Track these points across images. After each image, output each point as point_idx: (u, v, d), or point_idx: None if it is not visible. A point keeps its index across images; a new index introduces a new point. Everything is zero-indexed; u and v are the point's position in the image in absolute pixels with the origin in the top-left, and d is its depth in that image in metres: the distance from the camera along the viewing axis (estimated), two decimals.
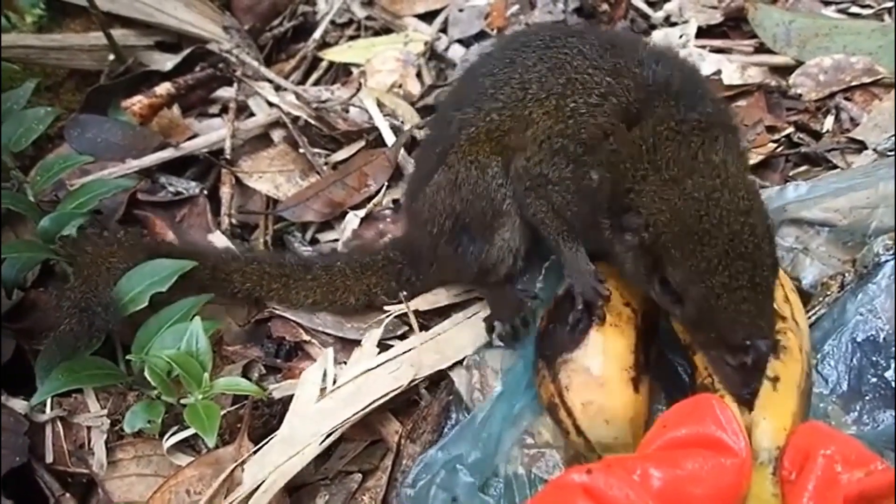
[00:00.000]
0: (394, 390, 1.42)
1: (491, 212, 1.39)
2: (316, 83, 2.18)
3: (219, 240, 1.77)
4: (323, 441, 1.37)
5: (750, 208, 1.11)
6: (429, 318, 1.57)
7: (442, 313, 1.57)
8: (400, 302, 1.57)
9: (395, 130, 1.93)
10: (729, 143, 1.20)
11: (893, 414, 1.25)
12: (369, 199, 1.82)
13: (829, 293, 1.41)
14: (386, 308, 1.57)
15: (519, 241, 1.43)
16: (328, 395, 1.43)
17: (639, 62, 1.25)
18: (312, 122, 1.97)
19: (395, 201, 1.81)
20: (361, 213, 1.79)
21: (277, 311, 1.63)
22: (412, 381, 1.44)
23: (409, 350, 1.49)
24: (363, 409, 1.40)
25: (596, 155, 1.24)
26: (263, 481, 1.33)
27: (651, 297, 1.23)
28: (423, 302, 1.58)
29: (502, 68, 1.34)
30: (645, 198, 1.15)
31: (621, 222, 1.18)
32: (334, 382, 1.45)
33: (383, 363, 1.47)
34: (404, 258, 1.59)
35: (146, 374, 1.38)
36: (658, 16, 2.09)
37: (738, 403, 1.12)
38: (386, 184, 1.83)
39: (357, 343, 1.54)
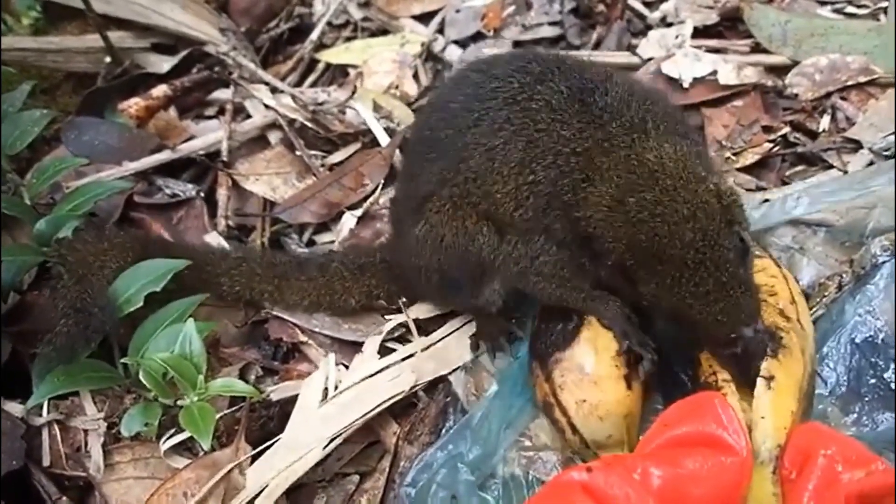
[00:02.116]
0: (395, 396, 1.42)
1: (481, 271, 1.38)
2: (312, 85, 2.18)
3: (215, 242, 1.76)
4: (326, 446, 1.37)
5: (695, 210, 1.10)
6: (427, 323, 1.57)
7: (440, 319, 1.57)
8: (399, 310, 1.57)
9: (391, 133, 1.92)
10: (667, 130, 1.20)
11: (893, 415, 1.26)
12: (366, 198, 1.82)
13: (826, 294, 1.41)
14: (387, 317, 1.57)
15: (508, 288, 1.42)
16: (330, 401, 1.43)
17: (602, 107, 1.22)
18: (309, 124, 1.97)
19: (392, 200, 1.81)
20: (358, 212, 1.79)
21: (274, 313, 1.62)
22: (413, 386, 1.43)
23: (410, 356, 1.48)
24: (364, 415, 1.40)
25: (554, 206, 1.23)
26: (266, 486, 1.33)
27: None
28: (422, 310, 1.57)
29: (470, 126, 1.29)
30: (598, 225, 1.15)
31: (592, 249, 1.19)
32: (336, 388, 1.45)
33: (384, 369, 1.47)
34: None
35: (141, 376, 1.38)
36: (654, 16, 2.09)
37: (743, 387, 1.14)
38: (382, 183, 1.83)
39: (355, 344, 1.54)
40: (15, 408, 1.48)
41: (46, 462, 1.44)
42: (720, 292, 1.09)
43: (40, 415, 1.48)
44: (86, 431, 1.47)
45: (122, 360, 1.45)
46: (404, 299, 1.57)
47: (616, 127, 1.19)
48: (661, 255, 1.10)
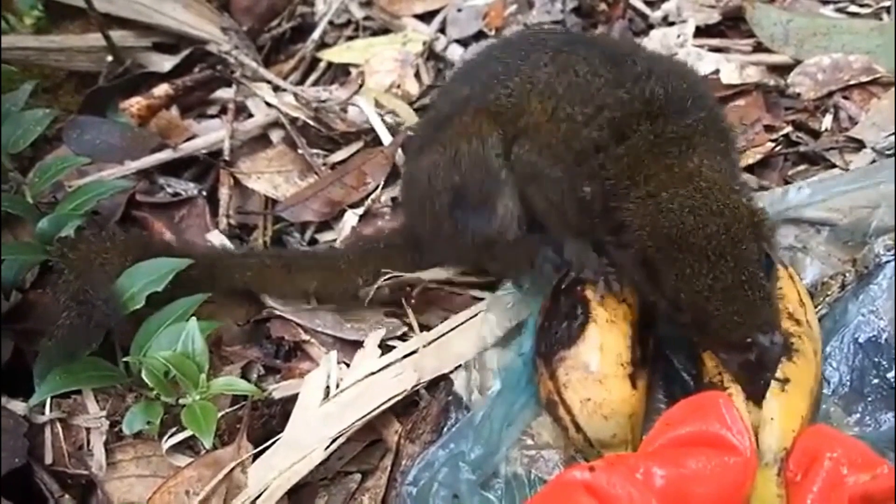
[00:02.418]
0: (397, 395, 1.42)
1: (489, 181, 1.39)
2: (314, 84, 2.18)
3: (217, 240, 1.77)
4: (328, 446, 1.36)
5: (723, 209, 1.12)
6: (429, 318, 1.57)
7: (442, 314, 1.57)
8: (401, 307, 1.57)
9: (393, 132, 1.92)
10: (710, 148, 1.22)
11: (895, 415, 1.25)
12: (368, 196, 1.81)
13: (829, 293, 1.41)
14: (386, 312, 1.58)
15: (520, 209, 1.43)
16: (332, 399, 1.43)
17: (635, 76, 1.26)
18: (311, 122, 1.97)
19: (393, 199, 1.81)
20: (359, 210, 1.79)
21: (277, 311, 1.62)
22: (415, 385, 1.43)
23: (412, 353, 1.48)
24: (367, 415, 1.39)
25: (586, 167, 1.27)
26: (268, 486, 1.32)
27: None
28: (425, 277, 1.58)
29: (516, 59, 1.38)
30: (631, 215, 1.18)
31: (620, 240, 1.21)
32: (337, 386, 1.45)
33: (386, 367, 1.47)
34: (406, 243, 1.59)
35: (143, 375, 1.38)
36: (656, 15, 2.09)
37: (747, 400, 1.13)
38: (383, 181, 1.82)
39: (357, 343, 1.54)
40: (17, 406, 1.48)
41: (49, 460, 1.44)
42: (739, 290, 1.09)
43: (42, 413, 1.48)
44: (88, 430, 1.47)
45: (125, 359, 1.45)
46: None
47: (670, 134, 1.21)
48: (682, 244, 1.11)
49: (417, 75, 2.10)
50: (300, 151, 1.94)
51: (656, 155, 1.20)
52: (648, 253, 1.15)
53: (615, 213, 1.22)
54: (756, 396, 1.13)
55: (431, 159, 1.45)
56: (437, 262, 1.59)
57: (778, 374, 1.13)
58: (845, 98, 1.79)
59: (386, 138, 1.90)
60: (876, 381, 1.29)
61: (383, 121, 1.93)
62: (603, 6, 2.11)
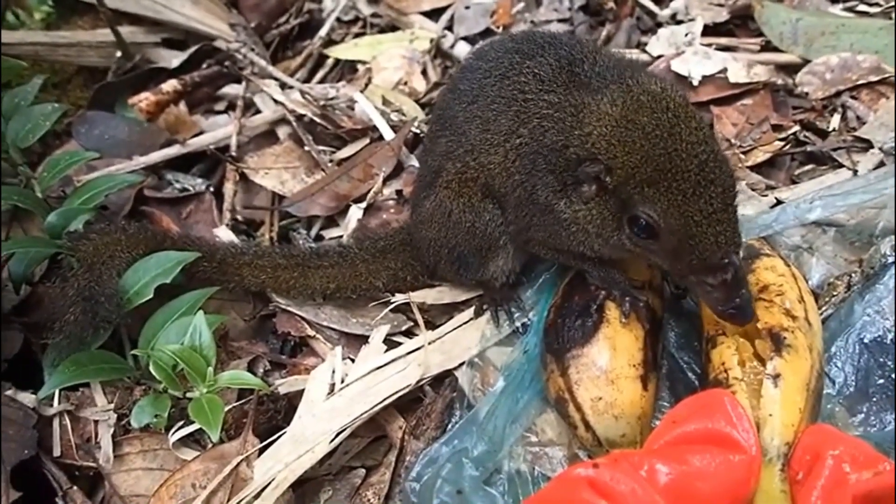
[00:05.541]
0: (401, 389, 1.43)
1: (487, 246, 1.43)
2: (322, 80, 2.19)
3: (225, 236, 1.77)
4: (333, 440, 1.37)
5: (706, 136, 1.14)
6: (434, 316, 1.58)
7: (448, 310, 1.58)
8: (406, 294, 1.58)
9: (397, 130, 1.92)
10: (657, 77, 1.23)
11: None
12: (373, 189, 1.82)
13: (835, 293, 1.41)
14: (392, 299, 1.58)
15: (513, 264, 1.48)
16: (337, 394, 1.44)
17: (590, 74, 1.26)
18: (318, 119, 1.97)
19: (398, 192, 1.81)
20: (363, 204, 1.79)
21: (282, 306, 1.63)
22: (420, 381, 1.44)
23: (417, 349, 1.49)
24: (371, 409, 1.40)
25: (539, 166, 1.27)
26: (273, 479, 1.33)
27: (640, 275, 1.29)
28: (430, 296, 1.58)
29: (469, 103, 1.38)
30: (599, 143, 1.17)
31: (577, 176, 1.20)
32: (342, 381, 1.46)
33: (391, 362, 1.47)
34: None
35: (151, 368, 1.39)
36: (664, 13, 2.08)
37: (749, 396, 1.13)
38: (384, 173, 1.83)
39: (363, 338, 1.55)
40: (27, 398, 1.50)
41: (57, 452, 1.46)
42: (724, 213, 1.12)
43: (51, 405, 1.49)
44: (96, 422, 1.48)
45: (133, 352, 1.46)
46: (429, 279, 1.59)
47: (605, 82, 1.23)
48: (677, 172, 1.11)
49: (425, 72, 2.11)
50: (307, 148, 1.95)
51: (596, 90, 1.21)
52: (634, 181, 1.14)
53: (567, 153, 1.20)
54: (738, 317, 1.14)
55: (427, 209, 1.46)
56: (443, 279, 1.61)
57: (769, 370, 1.14)
58: (853, 98, 1.79)
59: (388, 135, 1.91)
60: (881, 381, 1.29)
61: (388, 118, 1.93)
62: (611, 4, 2.11)
